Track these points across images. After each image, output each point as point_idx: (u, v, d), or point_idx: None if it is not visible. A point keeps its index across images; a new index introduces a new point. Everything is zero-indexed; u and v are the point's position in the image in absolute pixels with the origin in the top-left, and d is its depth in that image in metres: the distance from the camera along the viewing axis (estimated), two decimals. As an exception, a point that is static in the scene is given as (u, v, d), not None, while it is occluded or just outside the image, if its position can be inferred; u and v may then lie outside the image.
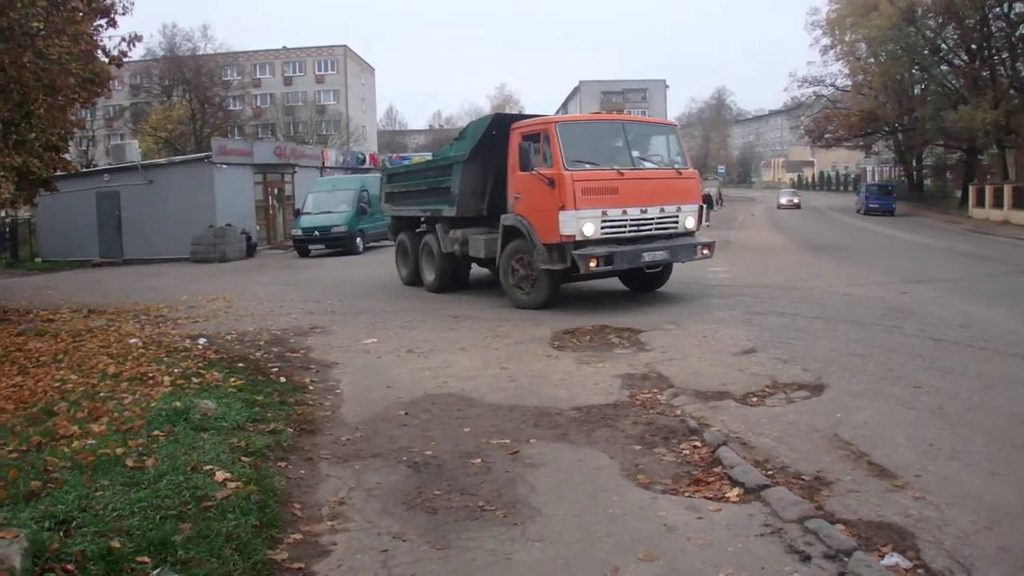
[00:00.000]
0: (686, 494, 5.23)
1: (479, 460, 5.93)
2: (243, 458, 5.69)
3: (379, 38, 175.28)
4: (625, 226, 12.99)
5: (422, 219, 17.85)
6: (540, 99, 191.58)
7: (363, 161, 49.24)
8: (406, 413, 7.29)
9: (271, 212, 37.49)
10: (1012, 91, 40.69)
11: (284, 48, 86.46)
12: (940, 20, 45.53)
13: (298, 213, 31.51)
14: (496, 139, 14.37)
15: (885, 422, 6.50)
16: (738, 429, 6.44)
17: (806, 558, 4.21)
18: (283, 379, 8.59)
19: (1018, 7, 41.17)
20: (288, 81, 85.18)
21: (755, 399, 7.46)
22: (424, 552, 4.45)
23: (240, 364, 9.28)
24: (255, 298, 16.70)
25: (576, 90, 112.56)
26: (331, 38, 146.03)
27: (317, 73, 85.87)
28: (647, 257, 13.08)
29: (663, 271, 14.68)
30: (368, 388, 8.31)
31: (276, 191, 37.83)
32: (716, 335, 10.48)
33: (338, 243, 29.45)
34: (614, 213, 12.79)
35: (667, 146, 14.51)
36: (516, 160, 13.72)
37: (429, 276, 16.99)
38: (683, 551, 4.36)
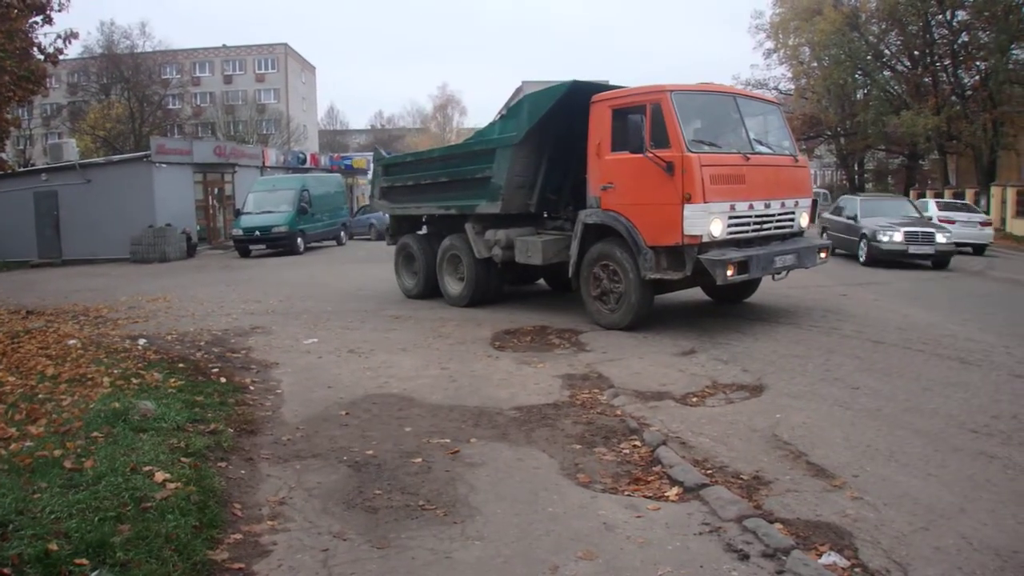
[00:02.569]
0: (625, 493, 5.27)
1: (419, 460, 5.92)
2: (183, 459, 5.60)
3: (320, 36, 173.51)
4: (749, 224, 10.89)
5: (424, 220, 15.85)
6: (482, 99, 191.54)
7: (304, 161, 48.86)
8: (347, 413, 7.26)
9: (211, 212, 36.95)
10: (954, 97, 41.45)
11: (224, 46, 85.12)
12: (883, 26, 46.19)
13: (238, 213, 31.21)
14: (559, 116, 11.98)
15: (823, 423, 6.62)
16: (677, 429, 6.51)
17: (744, 557, 4.26)
18: (223, 379, 8.48)
19: (960, 15, 42.01)
20: (228, 79, 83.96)
21: (695, 399, 7.54)
22: (364, 551, 4.43)
23: (180, 365, 9.14)
24: (195, 298, 16.44)
25: (519, 90, 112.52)
26: (271, 36, 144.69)
27: (257, 71, 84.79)
28: (779, 263, 11.08)
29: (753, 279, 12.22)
30: (309, 388, 8.25)
31: (216, 191, 37.30)
32: (656, 336, 10.59)
33: (279, 243, 29.20)
34: (741, 208, 10.60)
35: (774, 128, 12.38)
36: (605, 140, 11.22)
37: (453, 287, 14.24)
38: (622, 550, 4.39)
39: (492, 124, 13.53)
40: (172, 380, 8.12)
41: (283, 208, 29.80)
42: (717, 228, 10.20)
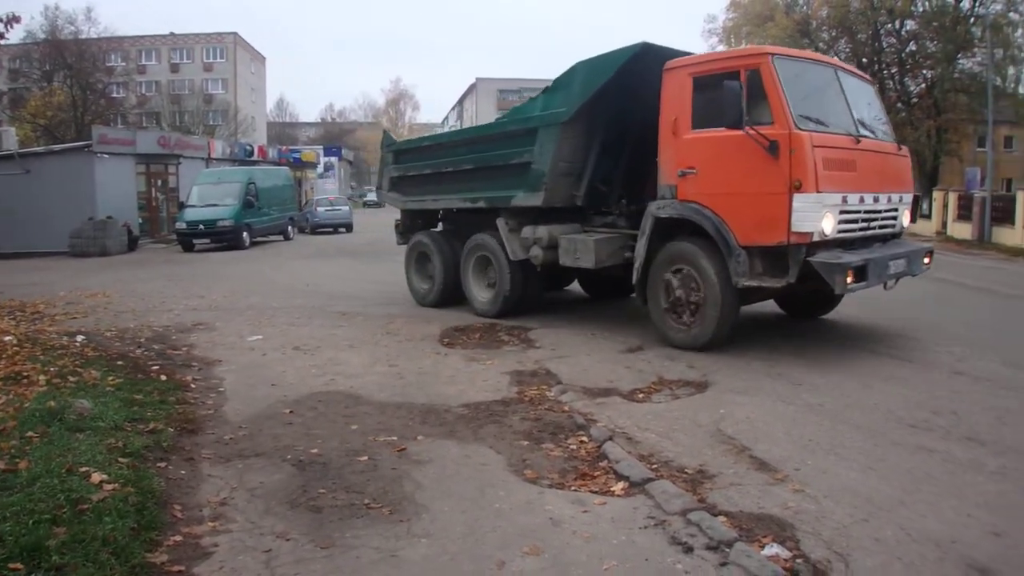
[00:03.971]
0: (572, 488, 5.28)
1: (365, 458, 5.87)
2: (121, 459, 5.48)
3: (271, 26, 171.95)
4: (857, 222, 9.11)
5: (440, 215, 14.21)
6: (435, 96, 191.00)
7: (251, 153, 48.38)
8: (291, 411, 7.16)
9: (154, 204, 36.44)
10: (899, 104, 42.26)
11: (171, 34, 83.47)
12: (833, 33, 46.94)
13: (183, 206, 30.70)
14: (615, 89, 10.13)
15: (766, 418, 6.69)
16: (624, 424, 6.54)
17: (688, 549, 4.30)
18: (164, 377, 8.32)
19: (909, 24, 42.84)
20: (175, 68, 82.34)
21: (641, 395, 7.58)
22: (308, 551, 4.37)
23: (119, 362, 8.95)
24: (136, 294, 16.15)
25: (472, 87, 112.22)
26: (221, 25, 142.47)
27: (205, 61, 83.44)
28: (892, 268, 9.37)
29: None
30: (252, 386, 8.13)
31: (160, 183, 36.82)
32: (605, 333, 10.62)
33: (223, 237, 28.86)
34: (852, 201, 8.87)
35: (873, 109, 10.34)
36: (684, 116, 9.40)
37: (482, 294, 12.41)
38: (569, 544, 4.39)
39: (532, 100, 11.52)
40: (111, 378, 7.94)
41: (228, 201, 29.43)
42: (829, 225, 8.48)
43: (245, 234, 29.41)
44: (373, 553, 4.33)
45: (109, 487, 4.89)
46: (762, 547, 4.32)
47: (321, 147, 76.23)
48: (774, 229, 8.53)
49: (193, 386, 8.14)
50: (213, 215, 28.80)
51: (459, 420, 6.83)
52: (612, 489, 5.22)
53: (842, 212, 8.69)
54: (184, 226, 29.09)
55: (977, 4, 40.40)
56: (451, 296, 13.07)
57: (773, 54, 8.83)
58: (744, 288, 8.87)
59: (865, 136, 9.27)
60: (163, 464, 5.71)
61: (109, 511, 4.53)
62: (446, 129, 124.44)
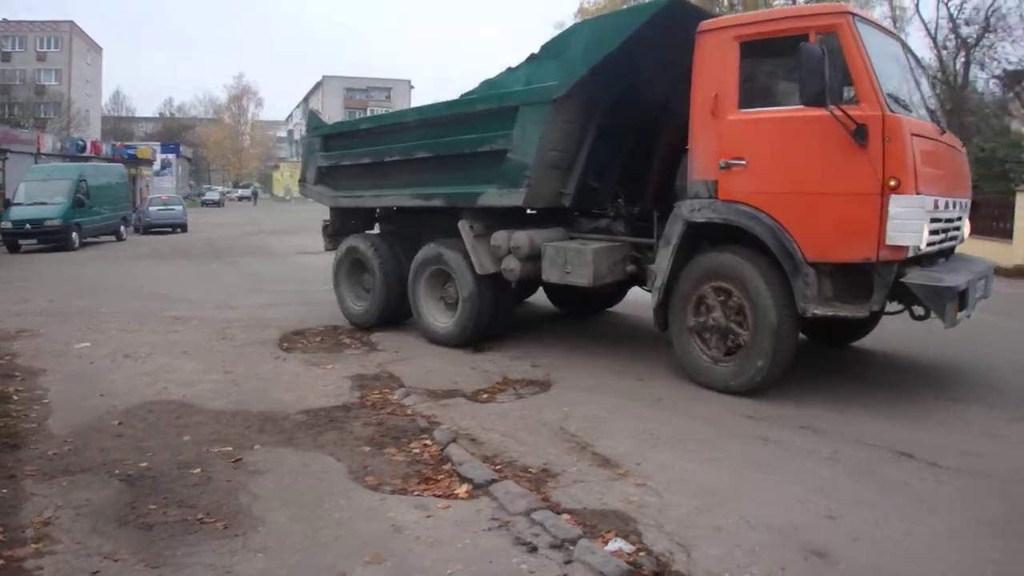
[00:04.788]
0: (415, 493, 5.20)
1: (199, 470, 5.62)
2: (-68, 479, 5.10)
3: (109, 15, 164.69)
4: (937, 233, 7.18)
5: (377, 214, 11.84)
6: (279, 93, 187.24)
7: (84, 148, 46.22)
8: (120, 423, 6.78)
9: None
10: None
11: (3, 21, 78.87)
12: None
13: (8, 204, 28.96)
14: (619, 62, 8.08)
15: (609, 414, 6.77)
16: (468, 426, 6.50)
17: (533, 549, 4.30)
18: (-18, 390, 7.80)
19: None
20: (6, 57, 77.51)
21: (486, 396, 7.56)
22: (137, 571, 4.15)
23: (-68, 374, 8.35)
24: (-47, 300, 15.08)
25: (319, 85, 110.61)
26: (56, 13, 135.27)
27: (39, 50, 79.11)
28: (978, 292, 7.47)
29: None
30: (79, 397, 7.68)
31: (-17, 179, 34.70)
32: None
33: (52, 238, 27.23)
34: (940, 206, 7.06)
35: (930, 99, 8.41)
36: (728, 91, 7.38)
37: (438, 318, 10.00)
38: (412, 551, 4.32)
39: (511, 71, 9.15)
40: (-78, 392, 7.40)
41: (58, 199, 27.83)
42: (925, 236, 6.70)
43: (75, 234, 27.87)
44: (206, 571, 4.14)
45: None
46: (606, 542, 4.36)
47: (159, 143, 73.24)
48: (860, 241, 6.66)
49: (15, 398, 7.63)
50: (40, 214, 27.21)
51: (298, 427, 6.63)
52: (456, 492, 5.18)
53: (932, 221, 6.89)
54: (9, 225, 27.35)
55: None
56: (395, 315, 10.82)
57: (856, 15, 6.98)
58: (836, 317, 7.02)
59: (942, 127, 7.78)
60: (-19, 483, 5.34)
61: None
62: (291, 127, 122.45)
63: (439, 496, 5.13)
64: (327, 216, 12.31)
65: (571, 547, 4.27)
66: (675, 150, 8.41)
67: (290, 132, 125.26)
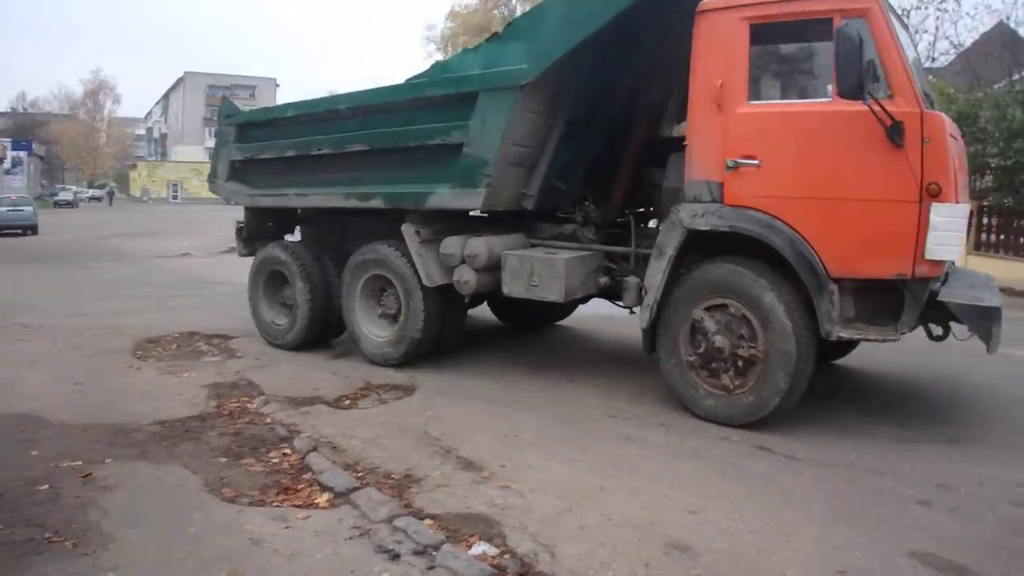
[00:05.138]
0: (274, 504, 5.04)
1: (47, 486, 5.30)
2: None
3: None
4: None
5: (299, 211, 10.43)
6: (140, 88, 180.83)
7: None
8: (-41, 441, 6.39)
9: None
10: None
11: None
12: None
13: None
14: (608, 40, 7.18)
15: (473, 417, 6.76)
16: (329, 433, 6.36)
17: (395, 556, 4.23)
18: None
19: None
20: None
21: (348, 402, 7.44)
22: (-22, 596, 3.90)
23: None
24: None
25: (180, 81, 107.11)
26: None
27: None
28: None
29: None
30: (-86, 413, 7.20)
31: None
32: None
33: None
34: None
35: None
36: (737, 79, 6.43)
37: (377, 334, 8.81)
38: (270, 564, 4.18)
39: (468, 51, 8.21)
40: None
41: None
42: (962, 249, 6.27)
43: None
44: (53, 592, 3.93)
45: None
46: (469, 547, 4.34)
47: (9, 140, 69.67)
48: (893, 254, 5.96)
49: None
50: None
51: (152, 439, 6.34)
52: (316, 501, 5.05)
53: None
54: None
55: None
56: (323, 333, 9.66)
57: None
58: (866, 340, 6.40)
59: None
60: None
61: None
62: (150, 125, 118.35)
63: (299, 506, 4.99)
64: (241, 217, 10.98)
65: (434, 553, 4.21)
66: (647, 147, 8.14)
67: (149, 130, 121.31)
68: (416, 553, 4.25)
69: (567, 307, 10.00)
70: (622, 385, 7.79)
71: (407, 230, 8.21)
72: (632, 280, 7.38)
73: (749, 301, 6.36)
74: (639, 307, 7.19)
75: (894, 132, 5.79)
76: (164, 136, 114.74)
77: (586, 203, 8.23)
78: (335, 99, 9.51)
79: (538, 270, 7.47)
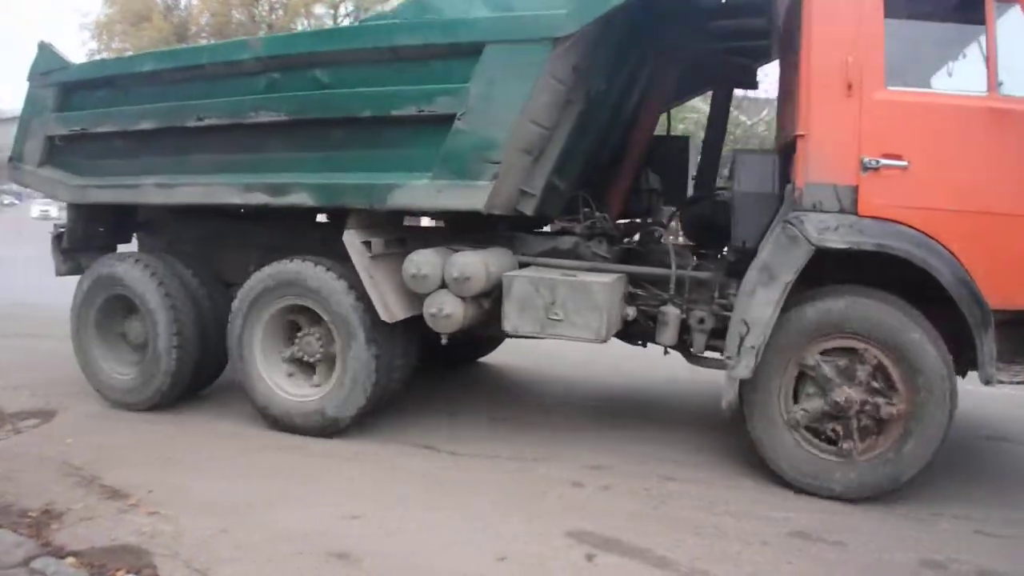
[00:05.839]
0: None
1: None
2: None
3: None
4: None
5: (139, 217, 7.84)
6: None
7: None
8: None
9: None
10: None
11: None
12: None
13: None
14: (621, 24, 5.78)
15: (121, 442, 6.36)
16: (-52, 475, 5.73)
17: (30, 601, 3.92)
18: None
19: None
20: None
21: (-28, 436, 6.73)
22: None
23: None
24: None
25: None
26: None
27: None
28: None
29: None
30: None
31: None
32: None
33: None
34: None
35: None
36: (871, 59, 5.10)
37: (291, 388, 6.48)
38: None
39: None
40: None
41: None
42: None
43: None
44: None
45: None
46: (116, 581, 4.10)
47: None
48: None
49: None
50: None
51: None
52: (-59, 553, 4.57)
53: None
54: None
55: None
56: (191, 382, 7.17)
57: None
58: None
59: None
60: None
61: None
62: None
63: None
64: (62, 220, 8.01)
65: (78, 592, 3.95)
66: (648, 147, 7.07)
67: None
68: (59, 595, 3.97)
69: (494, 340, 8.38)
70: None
71: (351, 241, 5.93)
72: (672, 312, 5.84)
73: (892, 345, 5.08)
74: (667, 344, 6.02)
75: None
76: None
77: (589, 210, 6.52)
78: (234, 45, 6.84)
79: (563, 298, 5.53)
